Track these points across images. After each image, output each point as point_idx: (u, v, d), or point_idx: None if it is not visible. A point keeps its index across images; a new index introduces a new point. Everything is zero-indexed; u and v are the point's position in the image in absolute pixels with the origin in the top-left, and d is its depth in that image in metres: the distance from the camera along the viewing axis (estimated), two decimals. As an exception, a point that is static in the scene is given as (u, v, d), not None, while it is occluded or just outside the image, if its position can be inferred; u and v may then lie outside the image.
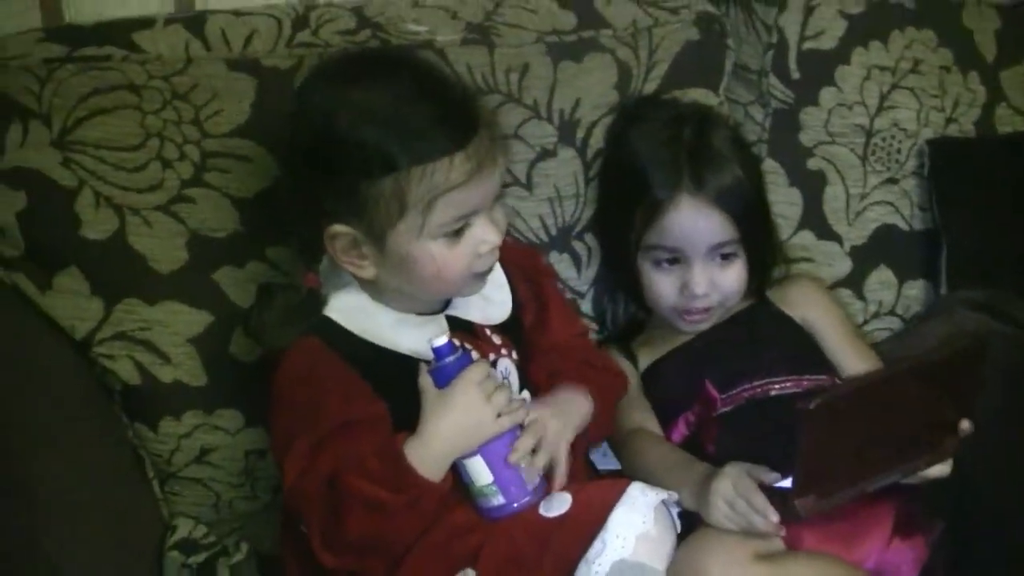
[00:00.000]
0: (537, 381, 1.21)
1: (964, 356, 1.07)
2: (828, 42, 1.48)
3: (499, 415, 1.08)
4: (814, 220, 1.52)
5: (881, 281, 1.56)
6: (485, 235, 1.08)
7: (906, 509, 1.15)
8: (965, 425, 1.08)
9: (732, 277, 1.31)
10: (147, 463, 1.26)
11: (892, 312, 1.57)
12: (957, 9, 1.56)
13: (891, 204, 1.55)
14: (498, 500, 1.10)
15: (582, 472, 1.23)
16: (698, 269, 1.29)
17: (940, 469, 1.09)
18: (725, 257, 1.30)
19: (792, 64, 1.48)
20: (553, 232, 1.37)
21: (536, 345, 1.23)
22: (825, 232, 1.53)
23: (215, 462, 1.26)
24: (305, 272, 1.13)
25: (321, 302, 1.12)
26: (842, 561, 1.09)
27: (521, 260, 1.24)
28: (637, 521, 1.07)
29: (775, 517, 1.05)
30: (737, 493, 1.08)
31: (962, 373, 1.05)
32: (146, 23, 1.26)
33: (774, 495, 1.07)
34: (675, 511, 1.13)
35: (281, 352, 1.09)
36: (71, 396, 1.17)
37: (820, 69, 1.49)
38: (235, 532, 1.23)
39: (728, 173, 1.29)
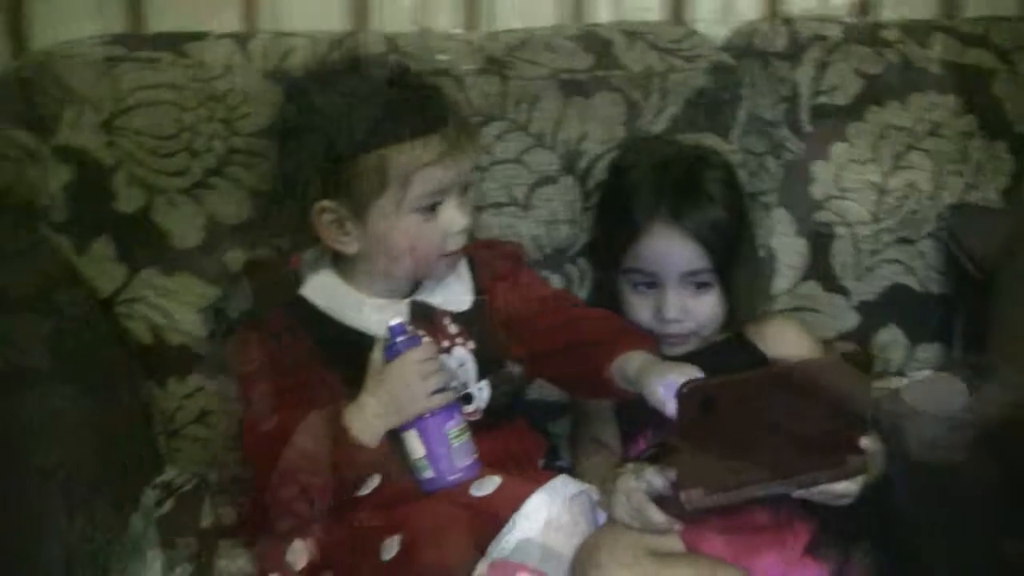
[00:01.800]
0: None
1: (848, 363, 1.16)
2: (841, 98, 1.60)
3: (433, 394, 1.25)
4: (821, 271, 1.63)
5: (890, 339, 1.64)
6: (455, 216, 1.28)
7: (820, 531, 1.24)
8: (866, 443, 1.16)
9: (705, 306, 1.43)
10: (155, 419, 1.47)
11: (900, 373, 1.65)
12: (987, 77, 1.64)
13: (904, 264, 1.64)
14: (428, 474, 1.26)
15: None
16: (671, 294, 1.41)
17: (845, 487, 1.18)
18: (700, 286, 1.43)
19: (804, 117, 1.60)
20: (548, 251, 1.53)
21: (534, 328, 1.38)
22: (832, 285, 1.63)
23: (212, 424, 1.46)
24: (291, 255, 1.34)
25: (298, 281, 1.32)
26: (735, 569, 1.19)
27: (493, 255, 1.41)
28: (551, 507, 1.21)
29: (657, 515, 1.17)
30: (629, 499, 1.20)
31: (848, 383, 1.14)
32: (200, 36, 1.50)
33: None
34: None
35: (254, 323, 1.30)
36: (95, 345, 1.39)
37: (832, 124, 1.60)
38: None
39: (709, 209, 1.42)
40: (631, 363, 1.24)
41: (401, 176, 1.25)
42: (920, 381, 1.39)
